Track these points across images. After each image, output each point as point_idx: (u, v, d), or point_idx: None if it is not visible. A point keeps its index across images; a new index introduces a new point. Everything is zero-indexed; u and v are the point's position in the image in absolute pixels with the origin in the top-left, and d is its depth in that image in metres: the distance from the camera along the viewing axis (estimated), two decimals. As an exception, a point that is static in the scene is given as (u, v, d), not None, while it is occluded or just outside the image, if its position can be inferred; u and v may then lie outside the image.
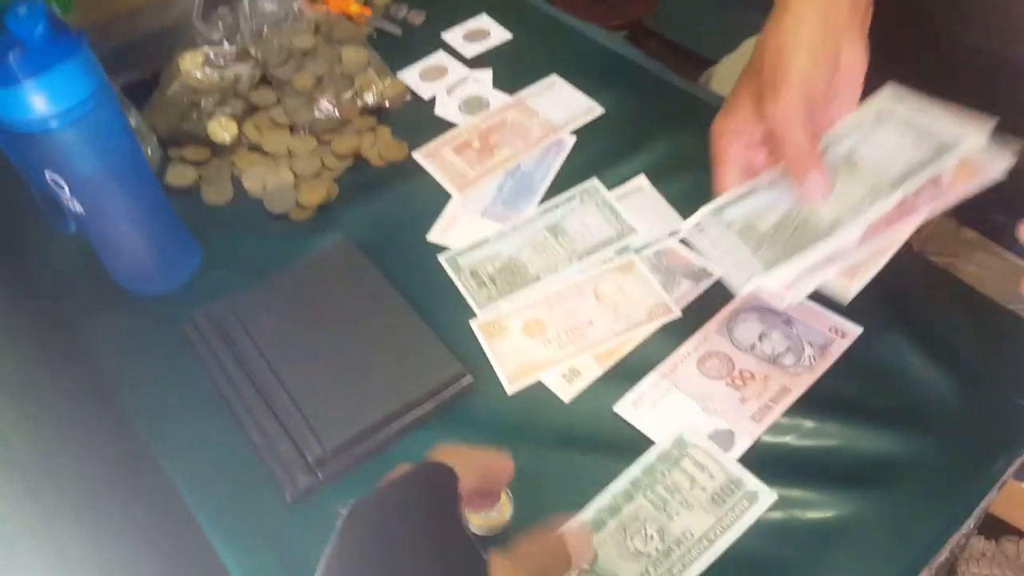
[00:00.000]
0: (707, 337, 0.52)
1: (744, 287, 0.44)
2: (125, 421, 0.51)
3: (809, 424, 0.47)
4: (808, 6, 0.44)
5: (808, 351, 0.50)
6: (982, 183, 0.42)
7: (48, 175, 0.50)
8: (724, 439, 0.47)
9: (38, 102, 0.46)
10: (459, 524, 0.33)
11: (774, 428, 0.47)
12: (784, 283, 0.43)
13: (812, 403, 0.48)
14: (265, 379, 0.50)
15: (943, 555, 0.48)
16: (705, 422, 0.47)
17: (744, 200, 0.47)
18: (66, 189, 0.50)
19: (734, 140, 0.48)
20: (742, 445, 0.46)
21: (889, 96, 0.47)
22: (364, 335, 0.53)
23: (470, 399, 0.50)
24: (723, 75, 0.83)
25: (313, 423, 0.48)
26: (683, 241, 0.53)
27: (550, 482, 0.46)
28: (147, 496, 0.50)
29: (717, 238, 0.46)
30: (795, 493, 0.45)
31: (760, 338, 0.51)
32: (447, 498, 0.33)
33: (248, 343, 0.52)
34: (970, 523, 0.48)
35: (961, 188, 0.43)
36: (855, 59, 0.46)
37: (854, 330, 0.51)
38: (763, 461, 0.46)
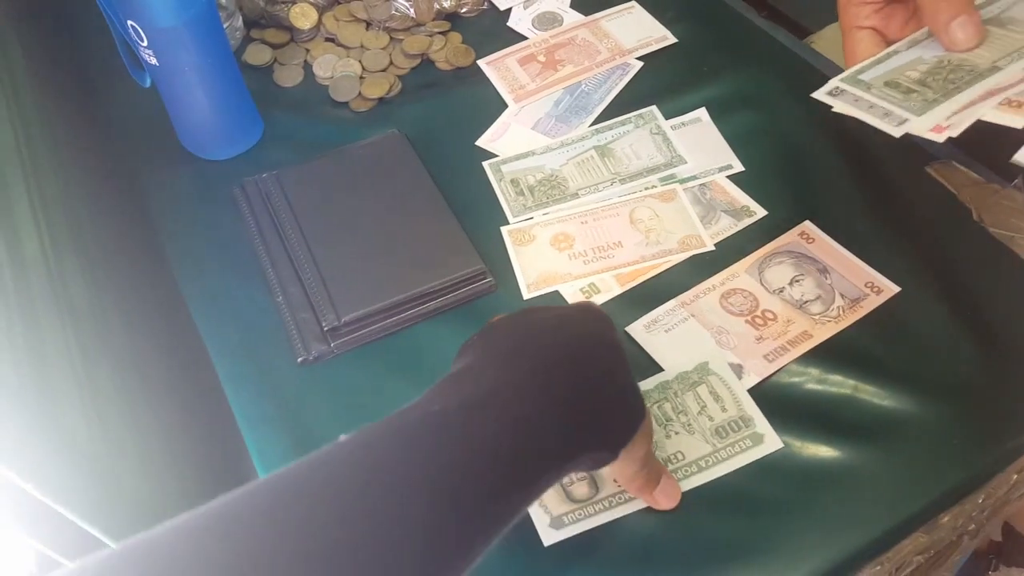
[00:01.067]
0: (736, 274, 0.50)
1: (896, 132, 0.41)
2: (167, 269, 0.54)
3: (822, 373, 0.46)
4: None
5: (839, 302, 0.48)
6: None
7: (129, 22, 0.52)
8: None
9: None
10: None
11: (786, 371, 0.46)
12: (939, 123, 0.40)
13: (831, 353, 0.46)
14: (298, 248, 0.53)
15: (945, 532, 0.46)
16: (716, 354, 0.47)
17: (883, 63, 0.44)
18: (144, 40, 0.53)
19: (863, 8, 0.46)
20: (748, 381, 0.45)
21: None
22: (397, 223, 0.54)
23: (489, 299, 0.51)
24: (825, 45, 0.79)
25: (334, 294, 0.50)
26: (829, 95, 0.46)
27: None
28: (174, 341, 0.54)
29: (858, 97, 0.43)
30: (793, 435, 0.44)
31: (791, 283, 0.49)
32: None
33: (288, 213, 0.54)
34: (980, 502, 0.45)
35: None
36: None
37: (891, 288, 0.48)
38: (768, 400, 0.45)
